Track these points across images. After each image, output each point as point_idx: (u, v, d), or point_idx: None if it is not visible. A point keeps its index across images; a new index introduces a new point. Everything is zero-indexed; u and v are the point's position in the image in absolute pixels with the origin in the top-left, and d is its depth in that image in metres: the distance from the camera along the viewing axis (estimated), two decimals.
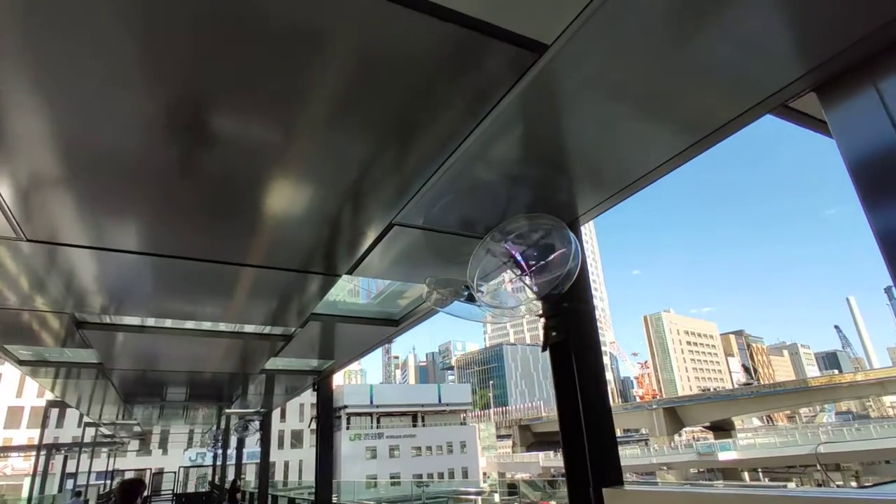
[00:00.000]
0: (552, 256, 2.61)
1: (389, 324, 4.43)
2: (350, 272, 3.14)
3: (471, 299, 2.92)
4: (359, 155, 1.99)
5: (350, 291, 4.42)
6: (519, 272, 2.71)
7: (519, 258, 2.61)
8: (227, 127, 1.68)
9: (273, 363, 5.91)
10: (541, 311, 2.88)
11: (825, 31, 1.48)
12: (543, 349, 2.76)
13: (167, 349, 5.23)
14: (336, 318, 4.19)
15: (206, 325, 4.50)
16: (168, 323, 4.33)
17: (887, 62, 1.65)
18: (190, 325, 4.40)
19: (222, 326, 4.58)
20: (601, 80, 1.62)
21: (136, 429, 18.84)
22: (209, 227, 2.55)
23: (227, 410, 11.77)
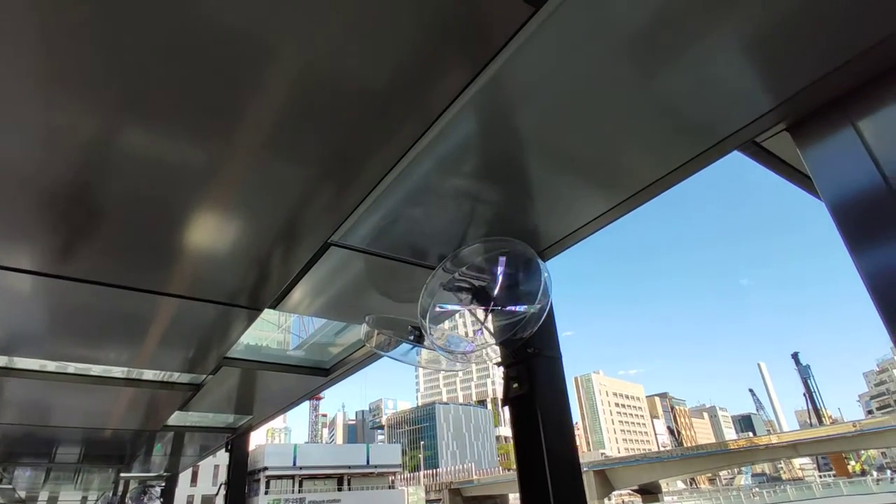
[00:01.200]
0: (517, 291, 2.24)
1: (318, 373, 3.87)
2: (274, 305, 2.62)
3: (419, 341, 2.48)
4: (290, 162, 1.62)
5: (278, 342, 3.85)
6: (476, 311, 2.31)
7: (474, 293, 2.22)
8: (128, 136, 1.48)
9: (179, 418, 5.09)
10: (500, 359, 2.48)
11: (791, 65, 1.44)
12: (504, 403, 2.34)
13: (53, 399, 4.34)
14: (255, 364, 3.58)
15: (97, 370, 3.75)
16: (52, 367, 3.57)
17: (862, 100, 1.61)
18: (74, 369, 3.64)
19: (117, 372, 3.84)
20: (557, 93, 1.47)
21: (17, 495, 16.25)
22: (108, 247, 2.05)
23: (125, 474, 10.30)
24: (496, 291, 2.17)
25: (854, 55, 1.38)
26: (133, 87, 1.29)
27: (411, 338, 2.47)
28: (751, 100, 1.56)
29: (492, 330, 2.30)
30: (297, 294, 2.49)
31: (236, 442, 6.10)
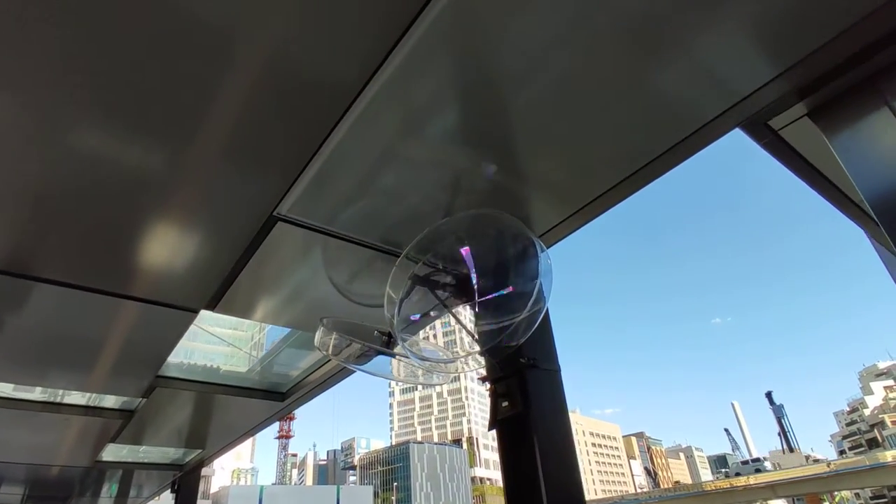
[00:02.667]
0: (509, 285, 1.83)
1: (272, 397, 3.35)
2: (212, 306, 2.15)
3: (389, 347, 2.03)
4: (219, 109, 1.30)
5: (231, 357, 3.33)
6: (457, 309, 1.89)
7: (452, 286, 1.79)
8: None
9: (112, 452, 4.45)
10: (484, 373, 2.05)
11: (798, 23, 1.23)
12: (491, 426, 1.88)
13: None
14: (196, 385, 3.05)
15: (7, 391, 3.17)
16: None
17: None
18: None
19: (34, 394, 3.27)
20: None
21: None
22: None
23: None
24: (480, 283, 1.75)
25: (868, 12, 1.19)
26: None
27: (381, 342, 2.01)
28: (755, 65, 1.32)
29: (475, 334, 1.87)
30: (240, 289, 2.03)
31: (184, 481, 5.41)
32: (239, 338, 3.23)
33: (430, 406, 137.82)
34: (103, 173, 1.48)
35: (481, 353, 1.90)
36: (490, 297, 1.77)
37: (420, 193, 1.67)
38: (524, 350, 1.91)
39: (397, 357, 1.96)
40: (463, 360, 1.92)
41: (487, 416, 1.88)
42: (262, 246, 1.80)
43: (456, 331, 1.98)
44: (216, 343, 3.16)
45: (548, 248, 1.94)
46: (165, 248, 1.83)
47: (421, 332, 2.05)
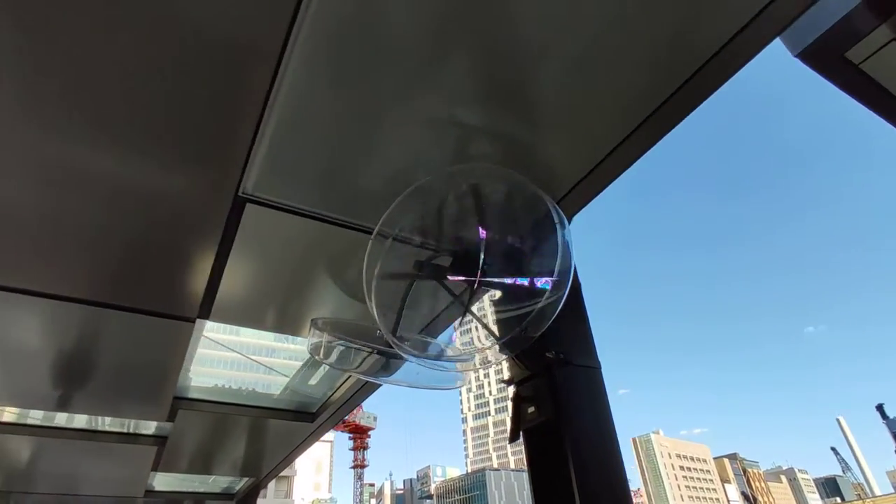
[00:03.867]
0: (521, 258, 1.50)
1: (303, 417, 3.13)
2: (207, 313, 1.96)
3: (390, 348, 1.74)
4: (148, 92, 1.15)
5: (255, 376, 3.16)
6: (459, 292, 1.57)
7: (450, 261, 1.47)
8: None
9: (162, 482, 4.39)
10: (507, 372, 1.72)
11: None
12: (513, 438, 1.54)
13: (11, 458, 3.76)
14: (218, 405, 2.88)
15: (55, 420, 3.15)
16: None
17: None
18: (29, 418, 3.04)
19: (73, 422, 3.22)
20: None
21: None
22: None
23: None
24: (486, 255, 1.43)
25: None
26: None
27: (380, 341, 1.73)
28: None
29: (487, 322, 1.55)
30: (227, 290, 1.83)
31: None
32: (260, 352, 3.05)
33: (504, 431, 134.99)
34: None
35: (499, 345, 1.56)
36: (499, 275, 1.45)
37: (402, 157, 1.40)
38: (552, 343, 1.57)
39: (396, 356, 1.66)
40: (480, 356, 1.60)
41: None
42: (238, 236, 1.58)
43: (469, 322, 1.66)
44: (240, 365, 3.00)
45: (572, 212, 1.61)
46: (136, 249, 1.65)
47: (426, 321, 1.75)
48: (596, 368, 1.63)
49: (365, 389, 2.71)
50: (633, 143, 1.37)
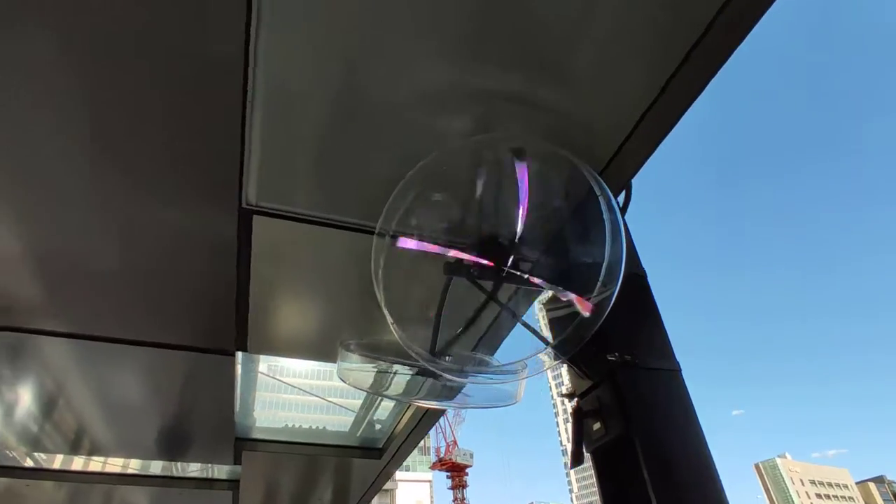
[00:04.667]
0: (562, 242, 1.26)
1: (371, 454, 2.96)
2: (244, 345, 1.86)
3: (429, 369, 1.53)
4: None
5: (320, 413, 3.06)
6: (493, 290, 1.34)
7: (474, 250, 1.24)
8: None
9: None
10: (569, 385, 1.46)
11: None
12: (575, 461, 1.27)
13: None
14: (281, 445, 2.78)
15: (132, 466, 3.21)
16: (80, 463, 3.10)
17: None
18: (104, 466, 3.12)
19: (149, 469, 3.27)
20: None
21: None
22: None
23: None
24: (516, 243, 1.20)
25: None
26: None
27: (420, 361, 1.53)
28: None
29: (519, 314, 1.31)
30: (258, 316, 1.72)
31: None
32: (321, 390, 2.94)
33: None
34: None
35: (553, 350, 1.31)
36: (537, 273, 1.22)
37: (410, 139, 1.22)
38: (616, 343, 1.31)
39: (437, 376, 1.45)
40: (524, 365, 1.35)
41: None
42: (253, 254, 1.47)
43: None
44: (300, 405, 2.91)
45: (617, 181, 1.35)
46: (163, 284, 1.59)
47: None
48: (674, 371, 1.33)
49: (428, 419, 2.50)
50: (676, 93, 1.11)
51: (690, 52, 1.06)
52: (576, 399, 1.38)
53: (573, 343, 1.22)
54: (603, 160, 1.28)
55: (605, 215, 1.16)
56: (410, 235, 1.16)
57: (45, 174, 1.26)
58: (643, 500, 1.13)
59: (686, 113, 1.20)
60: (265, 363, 2.59)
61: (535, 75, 1.10)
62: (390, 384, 1.58)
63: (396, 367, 1.55)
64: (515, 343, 1.52)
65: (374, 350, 1.61)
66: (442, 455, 65.48)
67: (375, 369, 1.54)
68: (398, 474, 55.32)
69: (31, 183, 1.28)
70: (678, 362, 1.36)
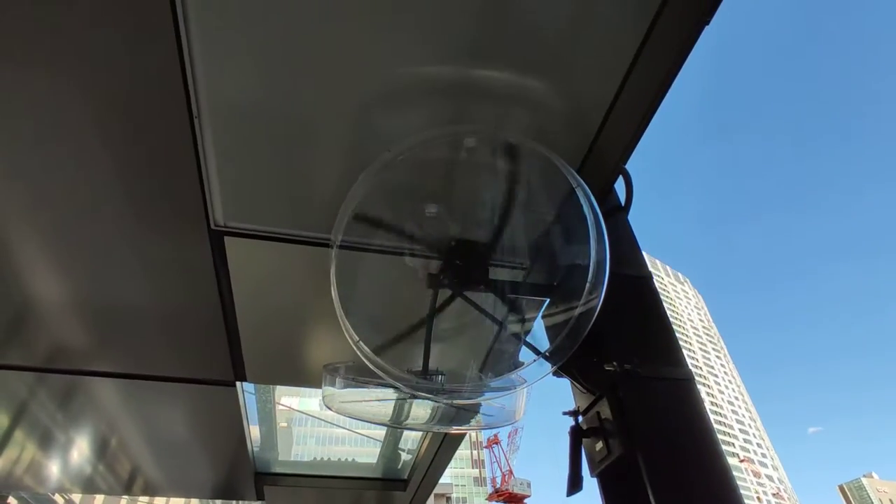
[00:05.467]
0: (539, 246, 1.15)
1: (396, 486, 2.84)
2: (242, 374, 1.82)
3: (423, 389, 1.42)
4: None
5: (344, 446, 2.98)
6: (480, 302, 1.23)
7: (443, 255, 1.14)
8: None
9: None
10: (577, 403, 1.32)
11: None
12: (573, 488, 1.13)
13: None
14: (304, 479, 2.71)
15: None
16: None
17: None
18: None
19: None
20: None
21: None
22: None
23: None
24: (494, 232, 1.10)
25: None
26: None
27: (412, 383, 1.42)
28: None
29: (518, 326, 1.20)
30: (249, 344, 1.67)
31: None
32: (346, 421, 2.86)
33: None
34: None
35: (550, 361, 1.19)
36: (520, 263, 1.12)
37: (373, 144, 1.16)
38: (615, 351, 1.18)
39: (426, 398, 1.35)
40: (521, 379, 1.23)
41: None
42: (232, 278, 1.43)
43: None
44: (321, 437, 2.84)
45: (597, 175, 1.24)
46: (145, 313, 1.58)
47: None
48: (684, 381, 1.18)
49: (448, 446, 2.38)
50: (654, 54, 1.00)
51: (654, 24, 0.96)
52: (579, 415, 1.25)
53: (564, 351, 1.10)
54: (582, 149, 1.17)
55: (588, 214, 1.06)
56: (366, 246, 1.08)
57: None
58: None
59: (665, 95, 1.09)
60: (283, 395, 2.55)
61: (498, 63, 1.02)
62: (382, 410, 1.48)
63: (386, 391, 1.45)
64: (509, 357, 1.40)
65: (364, 374, 1.52)
66: (498, 486, 63.76)
67: (364, 395, 1.44)
68: None
69: None
70: (690, 370, 1.21)
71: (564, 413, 1.31)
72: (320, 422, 2.84)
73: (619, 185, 1.56)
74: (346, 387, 1.40)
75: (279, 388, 2.48)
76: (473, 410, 1.42)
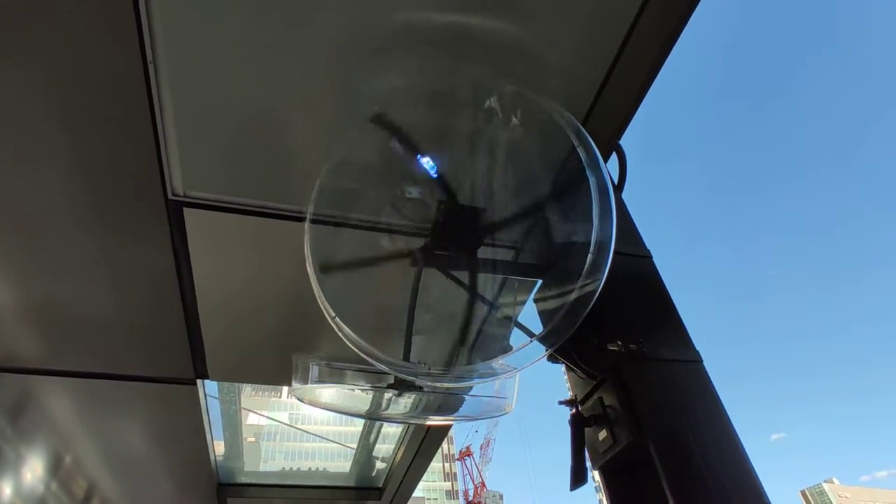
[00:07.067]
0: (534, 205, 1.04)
1: (370, 495, 2.67)
2: (204, 371, 1.65)
3: (403, 383, 1.29)
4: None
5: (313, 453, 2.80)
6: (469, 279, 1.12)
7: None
8: None
9: None
10: (573, 392, 1.21)
11: None
12: (576, 481, 1.01)
13: None
14: (270, 489, 2.52)
15: None
16: None
17: None
18: None
19: None
20: None
21: None
22: None
23: None
24: (485, 200, 0.99)
25: None
26: None
27: (397, 375, 1.29)
28: None
29: (509, 308, 1.09)
30: (211, 338, 1.51)
31: None
32: (315, 428, 2.70)
33: None
34: None
35: (545, 344, 1.08)
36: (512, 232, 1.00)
37: (344, 100, 1.03)
38: (617, 330, 1.07)
39: (415, 388, 1.22)
40: (510, 366, 1.11)
41: None
42: (193, 259, 1.28)
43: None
44: (296, 446, 2.67)
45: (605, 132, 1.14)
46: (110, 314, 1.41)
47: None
48: (693, 362, 1.08)
49: (425, 451, 2.24)
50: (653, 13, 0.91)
51: None
52: (577, 406, 1.14)
53: (561, 332, 0.98)
54: (581, 110, 1.07)
55: (588, 171, 0.95)
56: (343, 221, 0.96)
57: None
58: None
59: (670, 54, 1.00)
60: (249, 400, 2.38)
61: (490, 10, 0.91)
62: (359, 401, 1.34)
63: (363, 381, 1.32)
64: (500, 341, 1.28)
65: (339, 360, 1.38)
66: (471, 498, 63.23)
67: (337, 385, 1.30)
68: None
69: None
70: (698, 352, 1.12)
71: (560, 402, 1.19)
72: (289, 436, 2.67)
73: (612, 164, 1.48)
74: (319, 374, 1.25)
75: (245, 398, 2.32)
76: (459, 398, 1.30)
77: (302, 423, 2.73)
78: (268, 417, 2.51)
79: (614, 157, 1.44)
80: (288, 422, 2.69)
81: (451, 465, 75.31)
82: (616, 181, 1.48)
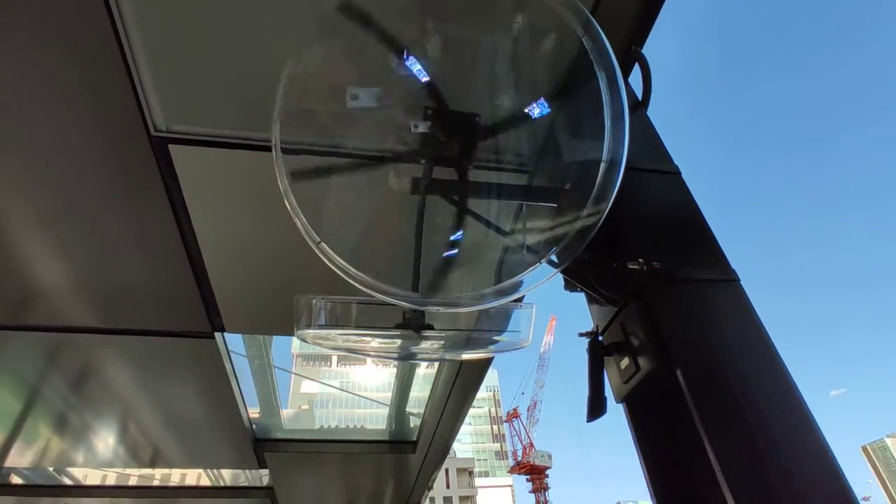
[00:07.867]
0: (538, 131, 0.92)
1: (405, 448, 2.67)
2: (219, 324, 1.63)
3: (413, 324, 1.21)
4: None
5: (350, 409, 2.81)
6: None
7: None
8: None
9: None
10: (596, 323, 1.11)
11: None
12: (594, 412, 0.92)
13: None
14: (307, 444, 2.55)
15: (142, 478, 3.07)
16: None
17: None
18: (136, 480, 3.01)
19: (173, 477, 3.13)
20: None
21: None
22: None
23: None
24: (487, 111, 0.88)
25: None
26: None
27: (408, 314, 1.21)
28: None
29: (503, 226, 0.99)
30: (221, 288, 1.48)
31: None
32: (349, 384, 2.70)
33: None
34: None
35: (553, 263, 0.97)
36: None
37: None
38: (640, 248, 0.96)
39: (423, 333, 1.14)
40: (521, 282, 1.02)
41: None
42: (188, 201, 1.23)
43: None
44: (325, 401, 2.68)
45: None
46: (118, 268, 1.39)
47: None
48: (727, 281, 0.96)
49: (455, 403, 2.19)
50: None
51: None
52: (594, 337, 1.03)
53: (571, 250, 0.88)
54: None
55: (597, 67, 0.82)
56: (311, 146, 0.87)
57: None
58: (700, 459, 0.78)
59: None
60: (301, 369, 2.39)
61: None
62: (370, 339, 1.28)
63: (372, 318, 1.25)
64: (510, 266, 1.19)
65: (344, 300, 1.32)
66: (520, 458, 64.30)
67: (344, 329, 1.24)
68: (478, 481, 54.83)
69: None
70: (734, 271, 0.99)
71: (581, 334, 1.09)
72: (342, 402, 2.68)
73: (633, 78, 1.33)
74: (322, 312, 1.19)
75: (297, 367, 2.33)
76: (482, 337, 1.22)
77: (353, 389, 2.73)
78: (320, 382, 2.52)
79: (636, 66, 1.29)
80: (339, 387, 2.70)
81: (499, 428, 76.67)
82: (640, 97, 1.34)
